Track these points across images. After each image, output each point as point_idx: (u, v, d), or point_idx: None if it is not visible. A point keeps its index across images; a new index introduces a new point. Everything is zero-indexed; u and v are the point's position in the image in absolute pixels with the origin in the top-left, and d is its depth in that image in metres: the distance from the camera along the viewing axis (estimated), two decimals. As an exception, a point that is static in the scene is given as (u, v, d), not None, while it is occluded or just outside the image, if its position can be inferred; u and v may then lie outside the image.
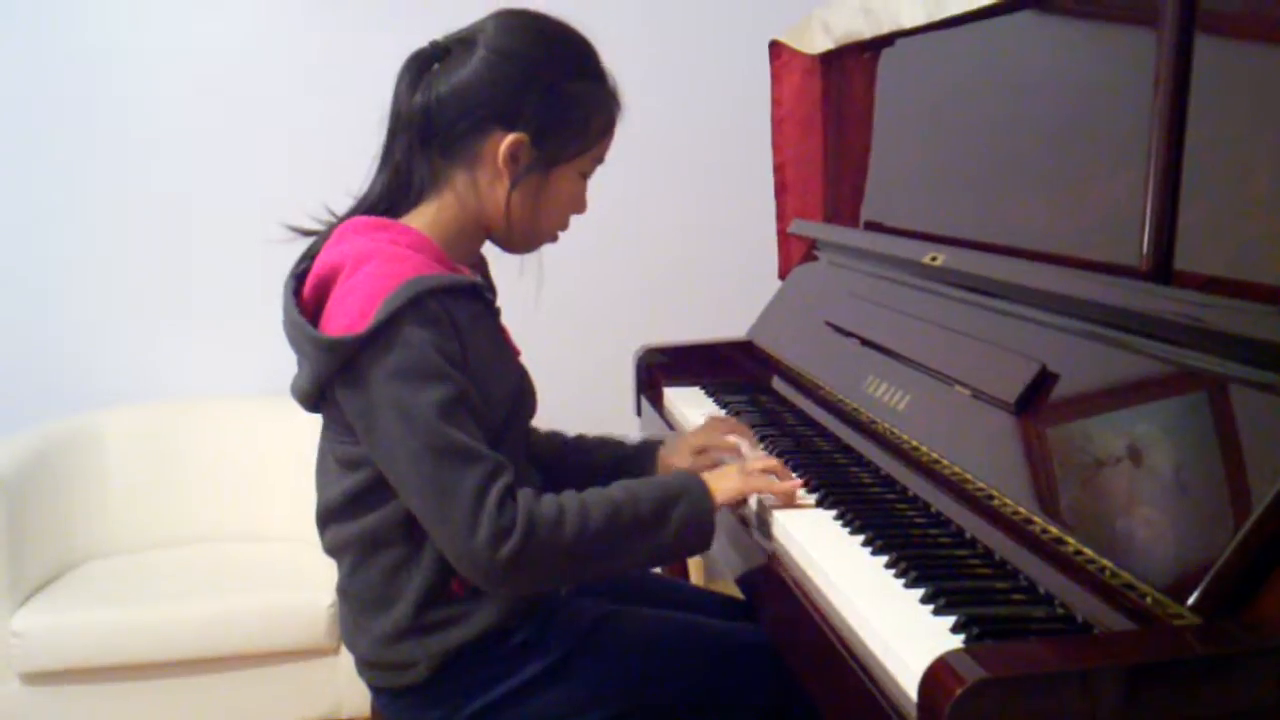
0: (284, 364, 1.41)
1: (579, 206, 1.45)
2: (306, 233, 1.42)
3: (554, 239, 1.47)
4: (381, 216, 1.37)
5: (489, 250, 1.49)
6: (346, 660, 2.39)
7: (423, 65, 1.37)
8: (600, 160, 1.45)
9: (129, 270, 2.99)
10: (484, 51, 1.34)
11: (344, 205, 1.41)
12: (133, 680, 2.39)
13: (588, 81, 1.39)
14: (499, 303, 1.43)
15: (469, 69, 1.34)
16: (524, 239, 1.44)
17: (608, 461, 1.64)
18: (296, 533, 2.61)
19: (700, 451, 1.63)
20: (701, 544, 1.35)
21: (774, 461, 1.47)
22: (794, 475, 1.49)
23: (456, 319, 1.29)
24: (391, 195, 1.39)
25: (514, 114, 1.35)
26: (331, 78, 2.95)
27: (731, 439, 1.63)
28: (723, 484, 1.38)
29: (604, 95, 1.41)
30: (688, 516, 1.32)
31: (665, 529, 1.31)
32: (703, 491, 1.35)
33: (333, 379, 1.29)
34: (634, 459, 1.65)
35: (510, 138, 1.35)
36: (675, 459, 1.62)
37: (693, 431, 1.68)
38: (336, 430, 1.36)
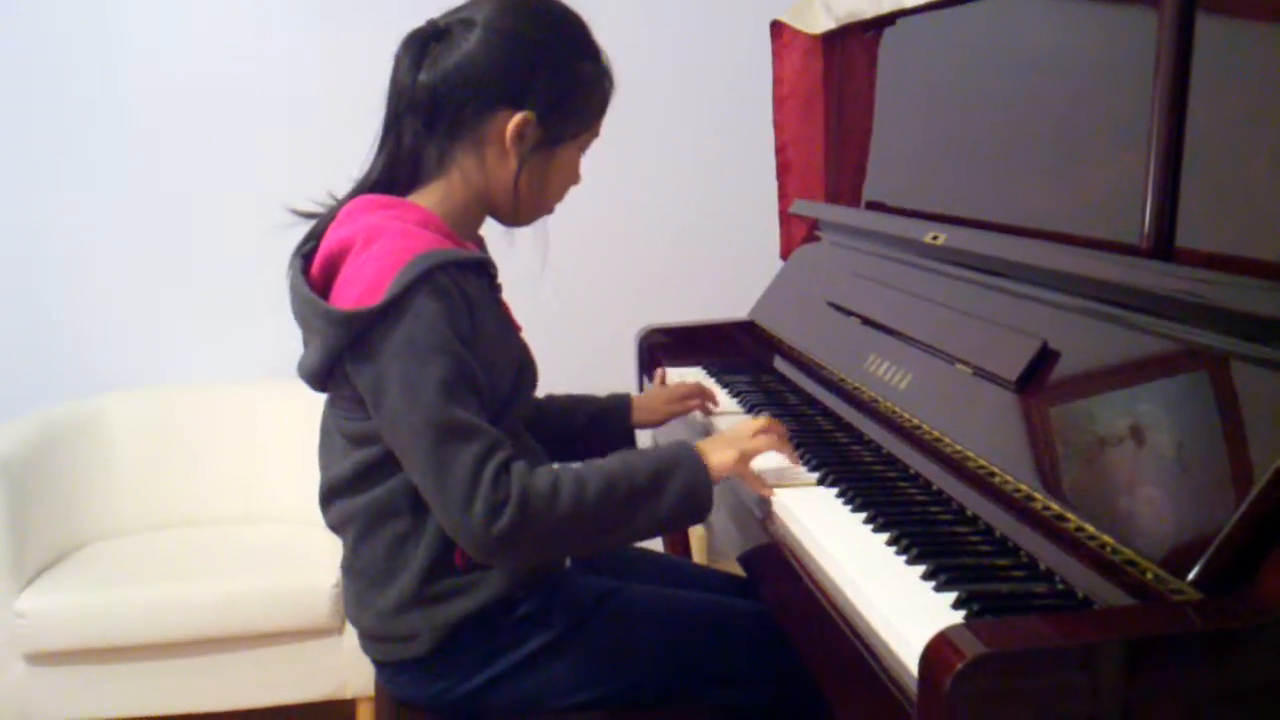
0: (285, 347, 1.42)
1: (576, 180, 1.48)
2: (309, 215, 1.43)
3: (551, 212, 1.49)
4: (387, 195, 1.38)
5: (486, 227, 1.50)
6: (349, 640, 2.40)
7: (422, 45, 1.37)
8: (597, 135, 1.46)
9: (131, 256, 2.99)
10: (484, 31, 1.35)
11: (345, 190, 1.42)
12: (136, 661, 2.40)
13: (587, 58, 1.41)
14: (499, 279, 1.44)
15: (472, 49, 1.34)
16: (528, 215, 1.46)
17: (585, 419, 1.69)
18: (298, 514, 2.62)
19: (674, 400, 1.75)
20: (698, 515, 1.35)
21: (763, 420, 1.44)
22: (787, 433, 1.50)
23: (467, 293, 1.30)
24: (394, 175, 1.40)
25: (520, 93, 1.36)
26: (331, 66, 2.94)
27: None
28: (717, 455, 1.37)
29: (602, 71, 1.42)
30: (683, 487, 1.32)
31: (661, 500, 1.31)
32: (698, 462, 1.34)
33: (344, 353, 1.29)
34: (610, 414, 1.71)
35: (518, 116, 1.36)
36: (649, 411, 1.72)
37: (665, 385, 1.79)
38: (345, 407, 1.37)
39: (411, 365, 1.25)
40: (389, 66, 1.39)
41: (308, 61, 2.98)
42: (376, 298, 1.25)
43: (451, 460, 1.24)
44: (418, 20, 1.40)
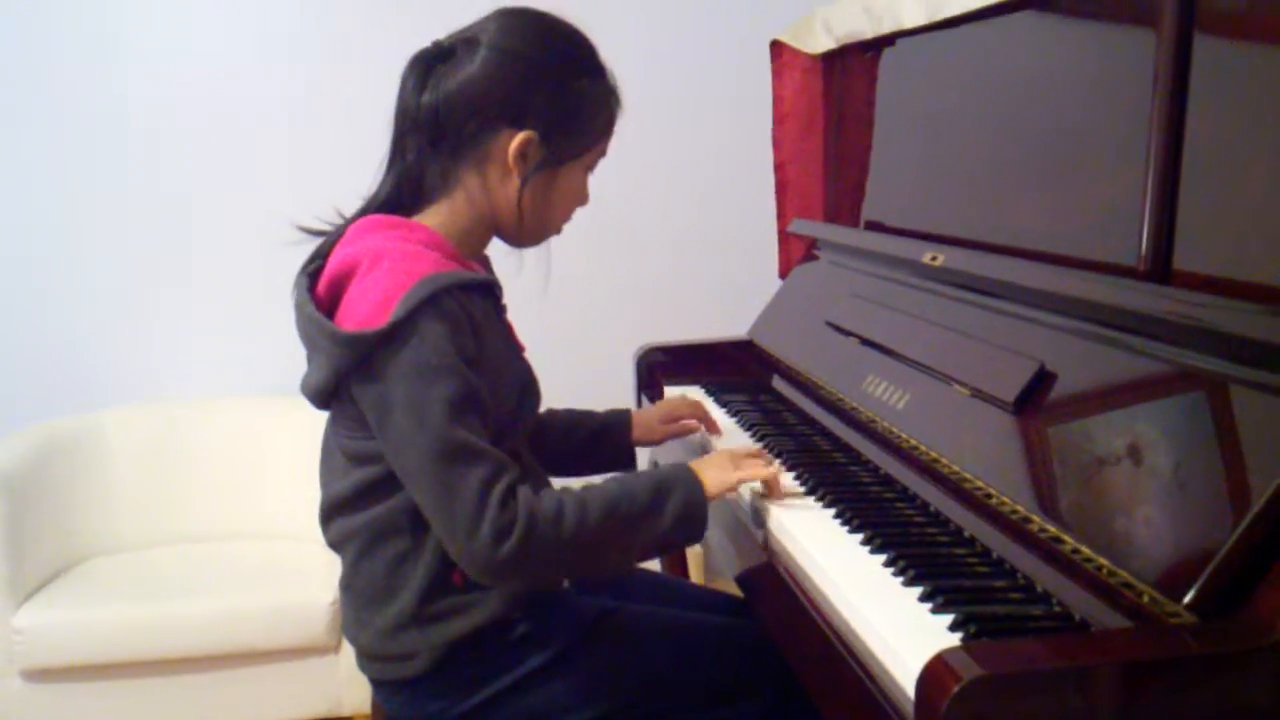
0: (287, 363, 1.42)
1: (584, 200, 1.48)
2: (316, 233, 1.43)
3: (559, 232, 1.49)
4: (393, 215, 1.38)
5: (492, 246, 1.50)
6: (347, 658, 2.40)
7: (427, 66, 1.37)
8: (604, 154, 1.47)
9: (132, 269, 2.99)
10: (488, 51, 1.35)
11: (350, 206, 1.42)
12: (134, 678, 2.40)
13: (591, 78, 1.41)
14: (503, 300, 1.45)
15: (475, 69, 1.35)
16: (533, 234, 1.46)
17: (585, 435, 1.70)
18: (297, 531, 2.62)
19: (670, 420, 1.75)
20: (695, 534, 1.37)
21: (758, 450, 1.47)
22: (776, 462, 1.52)
23: (473, 315, 1.31)
24: (401, 195, 1.40)
25: (522, 112, 1.36)
26: (335, 78, 2.95)
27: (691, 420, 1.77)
28: (712, 473, 1.38)
29: (607, 91, 1.43)
30: (681, 507, 1.34)
31: (659, 521, 1.33)
32: (694, 482, 1.36)
33: (349, 373, 1.30)
34: (609, 430, 1.71)
35: (520, 136, 1.36)
36: (646, 430, 1.73)
37: (660, 403, 1.79)
38: (347, 426, 1.37)
39: (417, 387, 1.25)
40: (393, 71, 1.39)
41: (313, 71, 2.98)
42: (382, 320, 1.25)
43: (458, 483, 1.24)
44: (424, 25, 1.40)
